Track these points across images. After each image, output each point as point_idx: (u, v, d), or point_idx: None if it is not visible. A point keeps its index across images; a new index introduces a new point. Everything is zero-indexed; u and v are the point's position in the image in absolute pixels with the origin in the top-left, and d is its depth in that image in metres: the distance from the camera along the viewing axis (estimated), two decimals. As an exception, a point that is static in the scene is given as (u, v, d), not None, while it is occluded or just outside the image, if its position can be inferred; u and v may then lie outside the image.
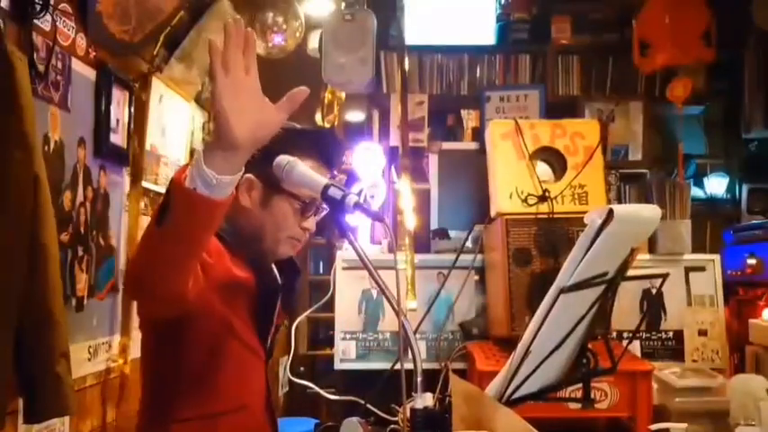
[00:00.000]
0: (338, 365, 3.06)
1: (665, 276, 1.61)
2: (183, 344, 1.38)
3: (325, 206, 1.49)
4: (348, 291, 3.06)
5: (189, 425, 1.39)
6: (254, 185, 1.48)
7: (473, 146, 3.72)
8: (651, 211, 1.41)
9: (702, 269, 3.09)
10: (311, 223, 1.52)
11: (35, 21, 1.90)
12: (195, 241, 1.18)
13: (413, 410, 1.27)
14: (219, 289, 1.36)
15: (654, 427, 1.77)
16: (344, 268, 3.05)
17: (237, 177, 1.15)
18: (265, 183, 1.47)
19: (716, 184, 4.02)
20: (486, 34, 4.00)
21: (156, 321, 1.38)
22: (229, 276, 1.41)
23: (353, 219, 1.49)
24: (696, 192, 3.85)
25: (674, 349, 3.03)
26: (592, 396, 1.51)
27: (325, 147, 1.51)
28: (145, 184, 2.68)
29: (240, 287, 1.43)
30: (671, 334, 3.04)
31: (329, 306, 2.96)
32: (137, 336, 1.57)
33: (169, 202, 1.12)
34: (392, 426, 1.47)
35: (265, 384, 1.54)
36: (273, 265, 1.58)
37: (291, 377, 2.06)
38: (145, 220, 2.59)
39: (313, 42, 3.74)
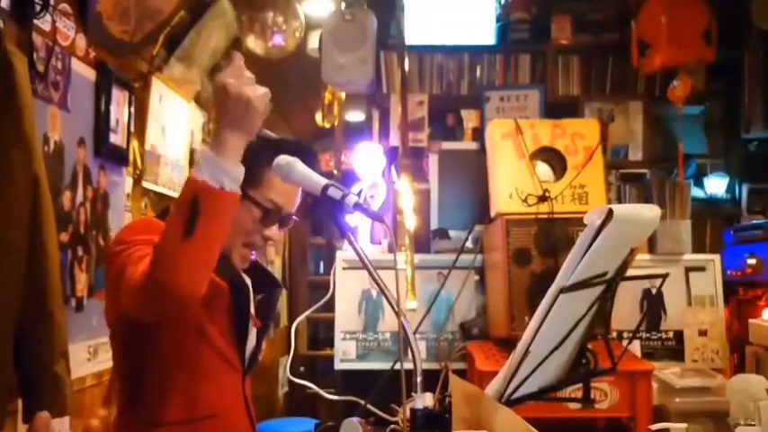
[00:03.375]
0: (338, 365, 3.06)
1: (665, 276, 1.61)
2: (155, 349, 1.38)
3: (294, 218, 1.50)
4: (348, 291, 3.06)
5: (168, 429, 1.39)
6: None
7: (473, 146, 3.72)
8: (651, 212, 1.41)
9: (702, 269, 3.09)
10: (274, 232, 1.49)
11: (35, 21, 1.90)
12: (223, 238, 1.23)
13: (413, 410, 1.27)
14: (204, 305, 1.34)
15: (654, 427, 1.77)
16: (344, 268, 3.05)
17: None
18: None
19: (716, 184, 4.02)
20: (486, 34, 4.00)
21: (133, 325, 1.34)
22: (210, 288, 1.36)
23: (353, 219, 1.49)
24: (696, 192, 3.85)
25: (674, 349, 3.03)
26: (592, 396, 1.52)
27: (300, 156, 1.44)
28: (145, 184, 2.68)
29: (215, 293, 1.40)
30: (671, 334, 3.04)
31: (329, 306, 2.96)
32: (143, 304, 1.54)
33: (197, 210, 1.15)
34: (392, 426, 1.47)
35: (242, 396, 1.51)
36: (246, 277, 1.55)
37: (291, 377, 2.06)
38: (145, 220, 2.59)
39: (313, 42, 3.74)
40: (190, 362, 1.40)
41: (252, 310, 1.54)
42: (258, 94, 1.22)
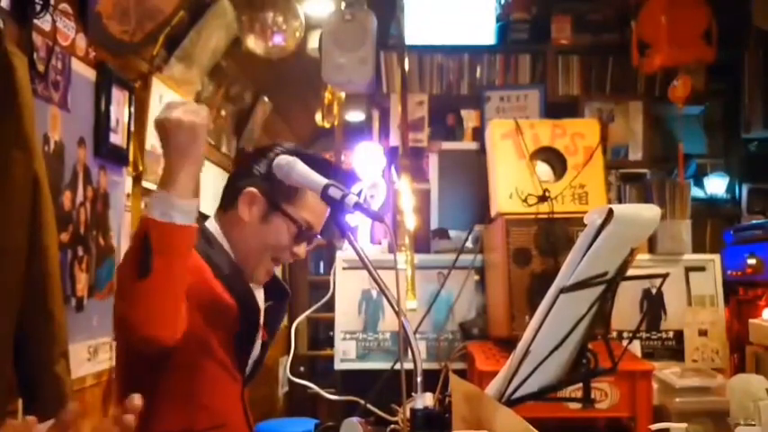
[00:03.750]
0: (338, 365, 3.06)
1: (665, 276, 1.61)
2: (158, 362, 1.35)
3: (319, 236, 1.50)
4: (348, 291, 3.06)
5: None
6: (257, 200, 1.46)
7: (473, 146, 3.72)
8: (651, 211, 1.41)
9: (702, 269, 3.09)
10: (302, 250, 1.50)
11: (35, 21, 1.90)
12: (183, 276, 1.21)
13: (413, 410, 1.27)
14: (201, 308, 1.33)
15: (654, 427, 1.77)
16: (344, 268, 3.05)
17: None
18: (268, 200, 1.46)
19: (716, 184, 4.02)
20: (486, 34, 4.00)
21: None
22: (212, 296, 1.38)
23: (353, 219, 1.49)
24: (696, 192, 3.85)
25: (674, 349, 3.03)
26: (592, 396, 1.51)
27: (330, 174, 1.43)
28: (145, 184, 2.68)
29: (222, 310, 1.39)
30: (671, 334, 3.04)
31: (329, 306, 2.96)
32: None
33: (149, 248, 1.14)
34: (392, 426, 1.47)
35: (242, 405, 1.50)
36: (259, 290, 1.55)
37: (291, 377, 2.06)
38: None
39: (313, 42, 3.74)
40: (191, 373, 1.39)
41: (260, 323, 1.53)
42: (198, 115, 1.20)
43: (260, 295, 1.55)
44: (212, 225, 1.50)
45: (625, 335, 2.84)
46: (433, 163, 3.63)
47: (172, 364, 1.36)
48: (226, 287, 1.41)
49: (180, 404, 1.38)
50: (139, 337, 1.19)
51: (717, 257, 3.12)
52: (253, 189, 1.45)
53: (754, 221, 3.53)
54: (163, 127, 1.19)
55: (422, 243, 3.24)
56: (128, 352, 1.39)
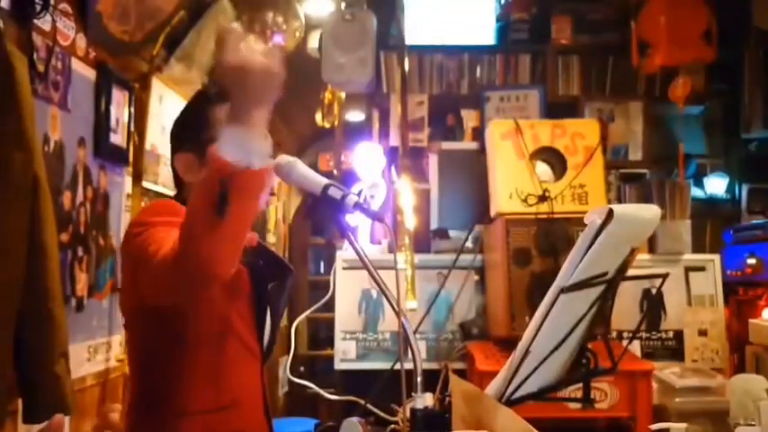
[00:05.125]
0: (338, 365, 3.06)
1: (665, 276, 1.61)
2: (177, 337, 1.37)
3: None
4: (348, 291, 3.06)
5: (188, 419, 1.38)
6: (191, 161, 1.44)
7: (473, 146, 3.72)
8: (651, 212, 1.41)
9: (702, 269, 3.09)
10: None
11: (35, 21, 1.90)
12: (254, 215, 1.20)
13: (413, 410, 1.27)
14: (225, 288, 1.32)
15: (654, 427, 1.77)
16: (344, 268, 3.05)
17: None
18: (199, 156, 1.39)
19: (716, 184, 4.02)
20: (486, 34, 4.00)
21: (153, 312, 1.32)
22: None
23: (353, 219, 1.49)
24: (696, 192, 3.84)
25: (674, 349, 3.03)
26: (592, 396, 1.51)
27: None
28: (145, 184, 2.68)
29: (236, 276, 1.34)
30: (671, 334, 3.04)
31: (329, 306, 2.96)
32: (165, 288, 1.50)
33: (226, 191, 1.10)
34: (392, 426, 1.47)
35: (261, 384, 1.52)
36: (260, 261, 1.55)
37: (291, 377, 2.05)
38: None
39: (313, 42, 3.74)
40: (213, 349, 1.40)
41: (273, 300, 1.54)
42: (269, 56, 1.11)
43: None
44: None
45: (625, 335, 2.84)
46: (432, 163, 3.63)
47: (194, 339, 1.37)
48: None
49: (202, 381, 1.39)
50: (205, 275, 1.15)
51: (717, 257, 3.12)
52: (182, 155, 1.45)
53: (754, 221, 3.53)
54: (237, 71, 1.09)
55: (422, 243, 3.24)
56: (152, 321, 1.36)
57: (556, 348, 1.31)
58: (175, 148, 1.50)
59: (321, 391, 1.88)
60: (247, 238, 1.50)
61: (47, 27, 1.97)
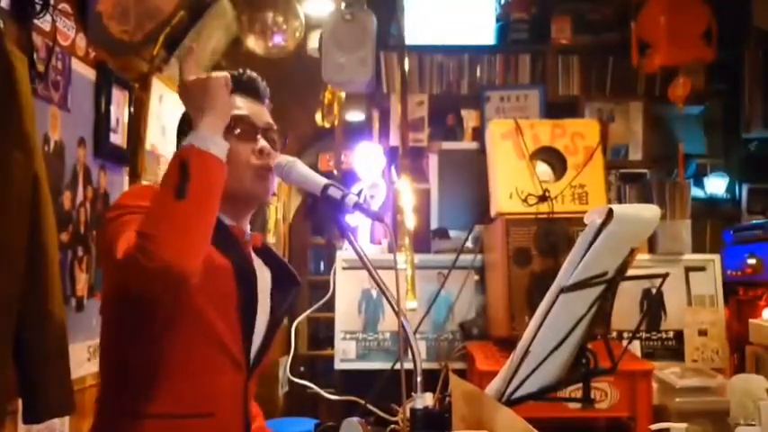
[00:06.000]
0: (338, 365, 3.06)
1: (665, 276, 1.61)
2: (144, 331, 1.30)
3: (275, 128, 1.48)
4: (348, 291, 3.06)
5: (154, 422, 1.30)
6: None
7: (473, 146, 3.73)
8: (651, 211, 1.41)
9: (702, 269, 3.09)
10: (262, 143, 1.43)
11: (35, 21, 1.90)
12: (215, 209, 1.26)
13: (413, 410, 1.27)
14: (205, 287, 1.26)
15: (654, 427, 1.77)
16: (344, 268, 3.05)
17: None
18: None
19: (716, 184, 4.02)
20: (486, 34, 4.00)
21: (124, 299, 1.26)
22: (211, 266, 1.29)
23: (353, 219, 1.49)
24: (696, 192, 3.84)
25: (674, 349, 3.03)
26: (592, 396, 1.51)
27: (251, 83, 1.49)
28: (145, 183, 2.68)
29: (217, 272, 1.32)
30: (671, 334, 3.04)
31: (329, 306, 2.96)
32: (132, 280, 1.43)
33: (187, 172, 1.20)
34: (392, 426, 1.47)
35: (242, 397, 1.41)
36: (263, 266, 1.50)
37: (291, 377, 2.06)
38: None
39: (313, 42, 3.74)
40: (181, 352, 1.31)
41: (264, 296, 1.46)
42: (212, 76, 1.33)
43: (265, 276, 1.49)
44: None
45: (625, 335, 2.84)
46: (432, 163, 3.63)
47: (161, 338, 1.29)
48: (216, 247, 1.32)
49: (164, 385, 1.30)
50: (162, 265, 1.14)
51: (717, 257, 3.12)
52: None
53: (754, 221, 3.53)
54: (182, 89, 1.36)
55: (422, 243, 3.24)
56: (125, 311, 1.30)
57: (556, 348, 1.31)
58: (178, 143, 1.50)
59: (321, 391, 1.88)
60: (252, 236, 1.49)
61: (47, 27, 1.97)
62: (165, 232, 1.16)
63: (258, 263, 1.48)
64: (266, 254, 1.54)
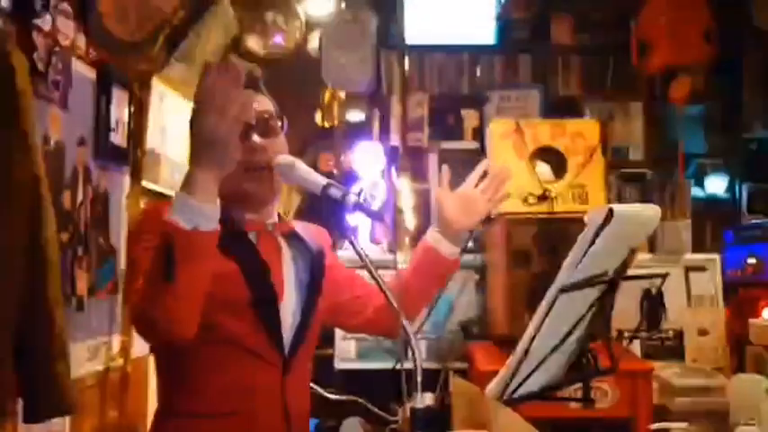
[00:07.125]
0: (338, 365, 3.06)
1: (665, 276, 1.61)
2: (184, 353, 1.31)
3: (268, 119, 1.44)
4: (348, 291, 3.05)
5: (183, 421, 1.37)
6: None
7: (473, 146, 3.72)
8: (651, 211, 1.41)
9: (702, 269, 3.08)
10: (257, 139, 1.40)
11: (35, 21, 1.90)
12: (206, 277, 1.20)
13: (413, 410, 1.27)
14: (214, 298, 1.24)
15: (654, 426, 1.77)
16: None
17: None
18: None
19: (716, 184, 4.02)
20: (486, 34, 3.99)
21: None
22: (218, 278, 1.26)
23: (353, 219, 1.48)
24: (696, 192, 3.84)
25: (674, 349, 3.03)
26: (592, 396, 1.51)
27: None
28: (145, 184, 2.68)
29: (229, 284, 1.32)
30: (671, 334, 3.04)
31: (329, 306, 2.95)
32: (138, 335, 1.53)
33: (173, 255, 1.14)
34: (392, 426, 1.47)
35: (279, 393, 1.39)
36: (297, 251, 1.48)
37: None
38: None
39: (313, 42, 3.74)
40: (205, 359, 1.34)
41: (290, 283, 1.44)
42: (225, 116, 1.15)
43: (288, 261, 1.47)
44: None
45: (625, 335, 2.84)
46: (432, 163, 3.62)
47: (193, 354, 1.32)
48: (221, 250, 1.27)
49: (196, 387, 1.37)
50: (159, 335, 1.23)
51: (717, 257, 3.12)
52: None
53: (754, 221, 3.53)
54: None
55: (422, 243, 3.23)
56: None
57: (556, 348, 1.31)
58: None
59: (321, 391, 1.88)
60: (275, 225, 1.46)
61: (47, 27, 1.97)
62: (155, 310, 1.17)
63: (285, 248, 1.47)
64: (295, 237, 1.50)
